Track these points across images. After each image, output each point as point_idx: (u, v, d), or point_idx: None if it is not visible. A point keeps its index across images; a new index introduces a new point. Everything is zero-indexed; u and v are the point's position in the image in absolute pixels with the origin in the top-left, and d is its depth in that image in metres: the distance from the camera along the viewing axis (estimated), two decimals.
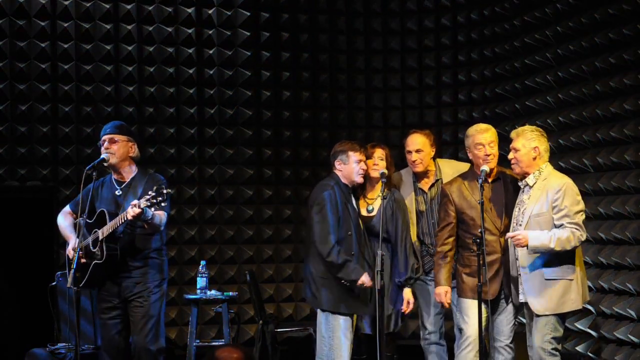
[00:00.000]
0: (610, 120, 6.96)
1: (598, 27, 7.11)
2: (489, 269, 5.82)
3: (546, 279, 5.69)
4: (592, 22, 7.18)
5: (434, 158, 6.56)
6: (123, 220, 5.68)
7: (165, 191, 5.54)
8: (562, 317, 5.76)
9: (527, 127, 5.90)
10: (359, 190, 6.30)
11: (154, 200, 5.53)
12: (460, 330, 6.05)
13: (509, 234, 5.75)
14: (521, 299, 5.83)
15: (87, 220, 5.88)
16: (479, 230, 5.80)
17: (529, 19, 8.02)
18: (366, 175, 6.25)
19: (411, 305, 6.22)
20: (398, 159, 8.67)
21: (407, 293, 6.20)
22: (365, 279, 5.94)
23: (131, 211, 5.57)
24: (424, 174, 6.51)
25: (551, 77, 7.69)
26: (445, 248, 6.05)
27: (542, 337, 5.71)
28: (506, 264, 5.95)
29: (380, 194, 6.12)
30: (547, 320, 5.71)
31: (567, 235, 5.59)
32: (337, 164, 6.16)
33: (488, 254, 5.78)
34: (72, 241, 5.99)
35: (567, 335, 6.97)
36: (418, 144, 6.46)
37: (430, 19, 9.16)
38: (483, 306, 5.79)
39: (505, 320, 6.03)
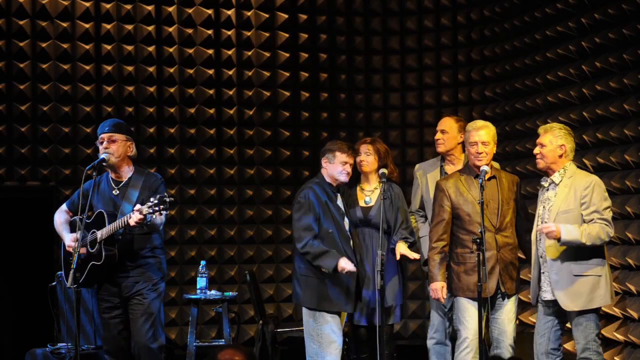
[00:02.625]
0: (610, 120, 6.96)
1: (598, 27, 7.11)
2: (486, 265, 5.80)
3: (574, 275, 5.67)
4: (592, 22, 7.18)
5: (463, 149, 6.56)
6: (124, 224, 5.66)
7: (168, 199, 5.52)
8: (598, 314, 5.76)
9: (555, 124, 5.93)
10: (356, 183, 6.34)
11: (157, 208, 5.50)
12: (458, 331, 6.04)
13: (540, 227, 5.70)
14: (547, 296, 5.79)
15: (85, 220, 5.87)
16: (478, 228, 5.80)
17: (529, 19, 8.03)
18: (358, 170, 6.30)
19: (409, 255, 6.10)
20: (398, 159, 8.69)
21: (401, 246, 6.12)
22: (344, 264, 5.85)
23: (135, 217, 5.56)
24: (450, 158, 6.52)
25: (551, 77, 7.69)
26: (440, 244, 6.02)
27: (585, 337, 5.69)
28: (501, 261, 5.95)
29: (379, 190, 6.13)
30: (588, 320, 5.69)
31: (597, 230, 5.59)
32: (323, 161, 6.19)
33: (485, 250, 5.77)
34: (67, 239, 5.97)
35: (568, 335, 6.96)
36: (445, 125, 6.54)
37: (430, 19, 9.16)
38: (479, 304, 5.78)
39: (506, 319, 6.00)
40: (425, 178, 6.57)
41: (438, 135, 6.55)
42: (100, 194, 5.99)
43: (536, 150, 5.85)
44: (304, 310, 6.11)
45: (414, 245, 6.29)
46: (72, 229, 6.00)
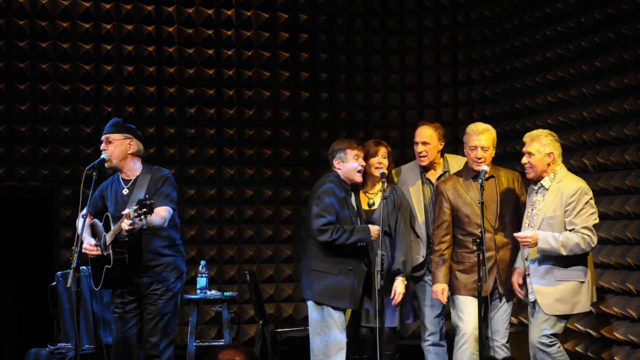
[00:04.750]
0: (610, 120, 6.96)
1: (598, 27, 7.11)
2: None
3: (557, 280, 5.69)
4: (592, 22, 7.18)
5: (442, 152, 6.57)
6: (120, 230, 5.67)
7: (149, 202, 5.51)
8: (564, 317, 5.75)
9: (541, 131, 5.88)
10: (360, 185, 6.32)
11: (140, 212, 5.50)
12: (457, 328, 6.07)
13: (517, 234, 5.74)
14: (531, 298, 5.82)
15: (99, 222, 5.95)
16: (477, 228, 5.83)
17: (529, 19, 8.03)
18: (367, 172, 6.25)
19: (398, 297, 6.11)
20: (398, 158, 8.68)
21: (397, 283, 6.14)
22: (374, 228, 5.98)
23: (125, 222, 5.57)
24: (431, 165, 6.53)
25: (551, 77, 7.69)
26: (442, 246, 6.07)
27: (539, 332, 5.74)
28: (501, 261, 5.96)
29: (381, 192, 6.12)
30: (547, 317, 5.71)
31: (577, 240, 5.60)
32: (335, 162, 6.17)
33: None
34: (86, 241, 5.97)
35: (567, 335, 6.97)
36: (425, 136, 6.47)
37: (430, 19, 9.17)
38: (479, 303, 5.80)
39: (501, 320, 6.07)
40: (408, 192, 6.52)
41: (420, 148, 6.46)
42: (112, 195, 6.03)
43: (524, 160, 5.84)
44: (311, 306, 6.12)
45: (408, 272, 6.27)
46: (93, 232, 6.01)
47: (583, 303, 5.73)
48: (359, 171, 6.14)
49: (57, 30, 8.39)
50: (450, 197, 6.07)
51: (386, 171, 6.23)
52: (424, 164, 6.50)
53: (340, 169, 6.15)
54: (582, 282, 5.71)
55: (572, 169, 7.16)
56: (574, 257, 5.68)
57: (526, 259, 5.84)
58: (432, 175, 6.52)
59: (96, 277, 5.94)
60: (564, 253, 5.61)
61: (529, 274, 5.84)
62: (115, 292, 6.02)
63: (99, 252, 5.84)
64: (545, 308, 5.73)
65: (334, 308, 6.03)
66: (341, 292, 6.01)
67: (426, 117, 9.08)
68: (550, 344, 5.75)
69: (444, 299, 6.08)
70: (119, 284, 5.96)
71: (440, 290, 6.06)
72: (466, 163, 6.18)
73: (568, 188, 5.70)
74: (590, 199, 5.73)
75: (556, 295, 5.70)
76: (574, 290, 5.70)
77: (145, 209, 5.47)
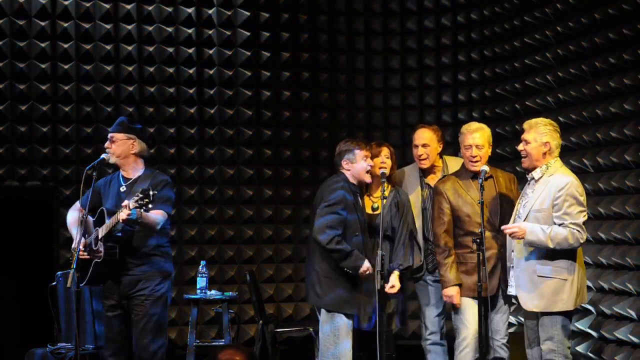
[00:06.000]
0: (610, 120, 6.96)
1: (598, 27, 7.11)
2: (487, 265, 5.80)
3: (538, 276, 5.64)
4: (592, 22, 7.18)
5: (441, 154, 6.56)
6: (116, 221, 5.68)
7: (151, 192, 5.50)
8: (567, 315, 5.71)
9: (540, 120, 5.82)
10: (364, 188, 6.31)
11: (141, 202, 5.50)
12: (458, 330, 6.04)
13: (504, 226, 5.70)
14: (511, 291, 5.80)
15: (92, 218, 5.93)
16: (478, 228, 5.81)
17: (529, 19, 8.03)
18: (371, 174, 6.25)
19: (394, 289, 6.14)
20: (398, 159, 8.67)
21: (393, 276, 6.16)
22: (367, 266, 5.93)
23: (124, 212, 5.57)
24: (431, 169, 6.52)
25: (551, 77, 7.69)
26: (447, 247, 6.03)
27: (550, 338, 5.65)
28: (504, 260, 5.94)
29: (382, 194, 6.12)
30: (552, 321, 5.66)
31: (566, 234, 5.54)
32: (344, 163, 6.13)
33: (486, 249, 5.76)
34: (75, 239, 5.97)
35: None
36: (425, 138, 6.47)
37: (430, 19, 9.16)
38: (479, 304, 5.79)
39: (501, 320, 6.06)
40: (409, 199, 6.50)
41: (420, 151, 6.45)
42: (110, 191, 6.06)
43: (520, 147, 5.80)
44: (323, 316, 6.11)
45: (407, 269, 6.29)
46: (85, 228, 6.02)
47: (565, 301, 5.60)
48: (368, 171, 6.12)
49: (57, 30, 8.39)
50: (450, 197, 6.05)
51: (386, 171, 6.23)
52: (425, 166, 6.49)
53: (349, 170, 6.13)
54: (565, 280, 5.61)
55: (572, 169, 7.16)
56: (559, 254, 5.59)
57: (512, 251, 5.79)
58: (432, 180, 6.51)
59: (82, 273, 5.89)
60: (551, 246, 5.53)
61: (512, 267, 5.80)
62: (104, 292, 6.02)
63: (88, 257, 5.85)
64: (524, 304, 5.70)
65: (347, 315, 6.04)
66: (349, 298, 6.02)
67: (427, 118, 9.10)
68: (567, 352, 5.66)
69: (458, 302, 6.02)
70: (105, 281, 5.96)
71: (454, 293, 5.99)
72: (463, 163, 6.17)
73: (557, 182, 5.62)
74: (580, 195, 5.62)
75: (536, 291, 5.62)
76: (556, 287, 5.59)
77: (147, 199, 5.47)
